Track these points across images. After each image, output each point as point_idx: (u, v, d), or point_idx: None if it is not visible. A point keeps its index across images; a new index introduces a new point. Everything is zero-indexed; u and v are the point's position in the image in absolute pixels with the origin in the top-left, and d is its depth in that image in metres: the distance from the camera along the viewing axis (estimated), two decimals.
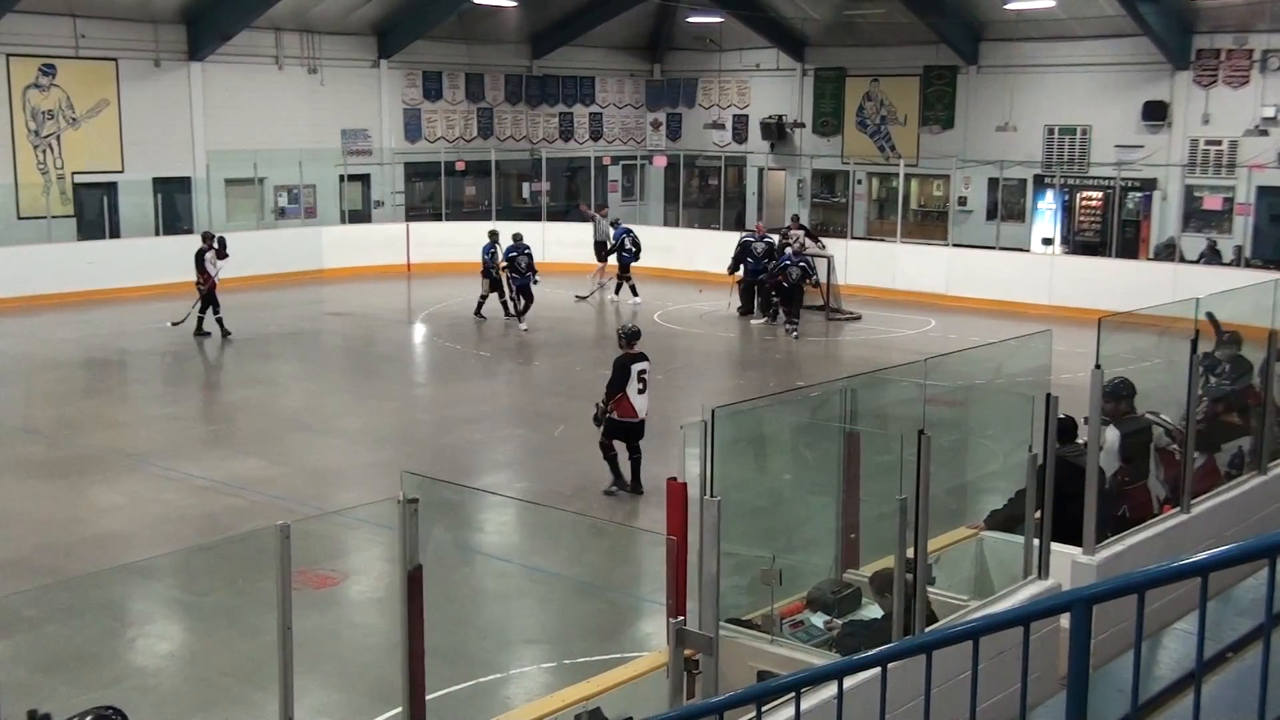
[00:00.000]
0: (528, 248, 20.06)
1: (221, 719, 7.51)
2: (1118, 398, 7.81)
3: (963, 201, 27.80)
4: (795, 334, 19.32)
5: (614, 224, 23.94)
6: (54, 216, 22.68)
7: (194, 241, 23.61)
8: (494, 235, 20.82)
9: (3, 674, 7.11)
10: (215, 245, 18.84)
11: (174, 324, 18.95)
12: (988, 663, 3.50)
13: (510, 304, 20.16)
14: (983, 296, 22.41)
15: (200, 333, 18.80)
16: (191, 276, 18.95)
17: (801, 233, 22.51)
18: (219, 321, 18.80)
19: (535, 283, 20.05)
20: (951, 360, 10.68)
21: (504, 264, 20.04)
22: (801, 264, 19.71)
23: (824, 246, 22.55)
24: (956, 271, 23.36)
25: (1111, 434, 7.56)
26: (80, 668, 8.13)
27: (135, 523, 10.82)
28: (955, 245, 24.73)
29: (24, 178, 22.78)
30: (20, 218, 22.57)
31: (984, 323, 19.93)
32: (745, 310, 21.37)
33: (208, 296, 18.74)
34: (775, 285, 20.18)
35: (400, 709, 4.73)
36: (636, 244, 22.82)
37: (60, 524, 10.82)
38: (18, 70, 22.60)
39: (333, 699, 7.64)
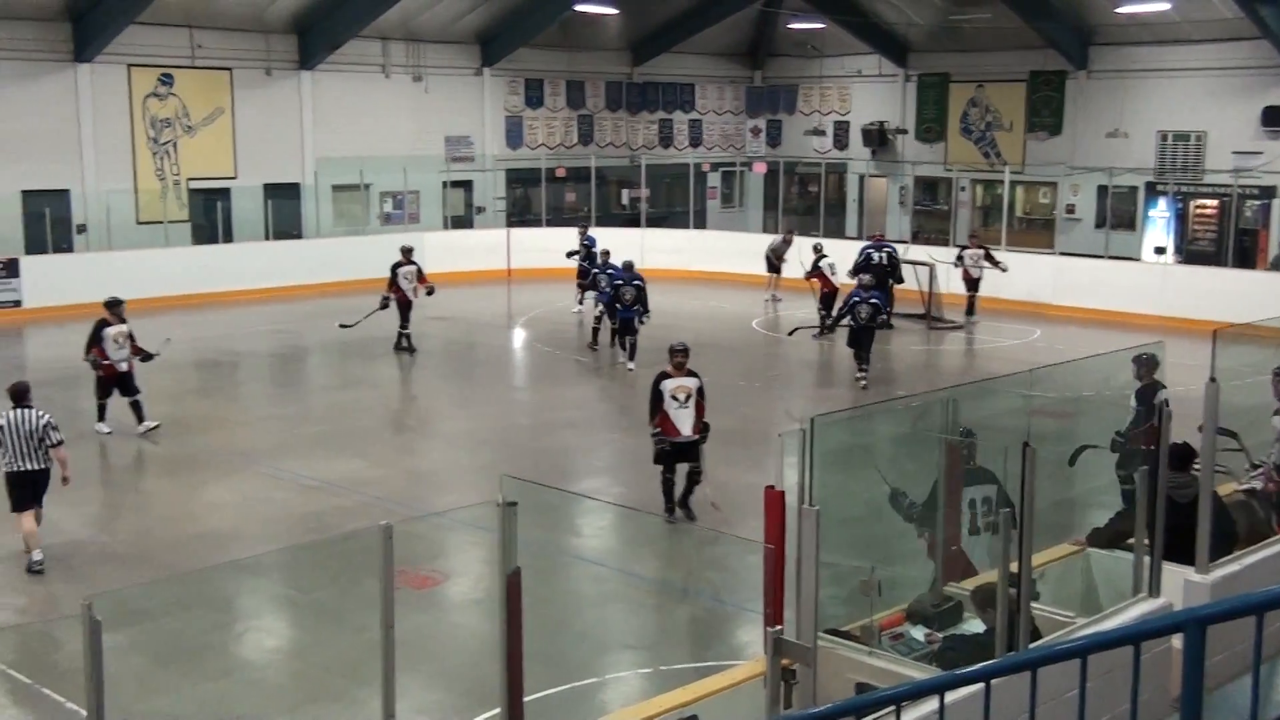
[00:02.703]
0: (639, 279, 17.61)
1: (325, 713, 7.67)
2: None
3: (1071, 209, 27.18)
4: (864, 383, 16.47)
5: (583, 230, 22.66)
6: (170, 221, 23.44)
7: (296, 246, 24.52)
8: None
9: (120, 663, 7.35)
10: (414, 260, 18.48)
11: (403, 349, 18.43)
12: (1095, 682, 3.42)
13: (613, 335, 18.23)
14: (1090, 306, 21.85)
15: (408, 348, 18.40)
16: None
17: (980, 251, 21.65)
18: (405, 337, 18.38)
19: (643, 321, 17.41)
20: (1058, 371, 10.46)
21: (606, 287, 17.96)
22: (873, 300, 16.90)
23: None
24: (1063, 281, 22.83)
25: None
26: (192, 659, 8.38)
27: (244, 520, 11.11)
28: (1062, 254, 24.17)
29: (143, 183, 23.60)
30: (139, 222, 23.37)
31: (1092, 333, 19.45)
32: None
33: (402, 307, 18.28)
34: (842, 323, 17.64)
35: (499, 710, 4.78)
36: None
37: (174, 520, 11.17)
38: (138, 80, 23.42)
39: (432, 698, 7.75)
